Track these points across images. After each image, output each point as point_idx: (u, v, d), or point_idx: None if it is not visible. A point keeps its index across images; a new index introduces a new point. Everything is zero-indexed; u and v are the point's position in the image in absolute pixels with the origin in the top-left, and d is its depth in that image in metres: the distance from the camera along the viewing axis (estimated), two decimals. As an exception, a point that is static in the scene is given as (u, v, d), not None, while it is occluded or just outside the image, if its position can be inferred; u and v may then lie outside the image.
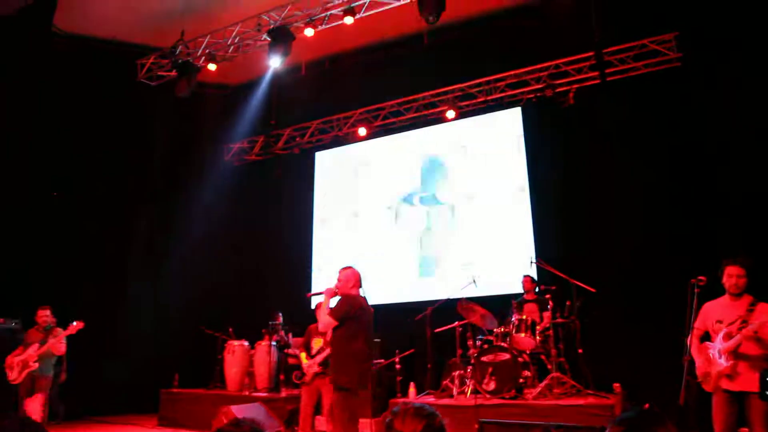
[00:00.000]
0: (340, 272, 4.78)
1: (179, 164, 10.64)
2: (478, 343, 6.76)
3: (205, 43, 9.11)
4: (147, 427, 8.04)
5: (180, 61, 9.10)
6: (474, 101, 9.15)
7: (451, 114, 9.10)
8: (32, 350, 6.55)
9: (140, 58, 9.80)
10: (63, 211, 9.12)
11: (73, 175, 9.34)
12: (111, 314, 9.31)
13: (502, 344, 6.49)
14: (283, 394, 7.67)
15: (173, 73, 9.37)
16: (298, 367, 6.76)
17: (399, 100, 9.64)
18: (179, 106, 9.91)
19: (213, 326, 8.69)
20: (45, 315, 6.76)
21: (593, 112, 8.11)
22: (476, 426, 5.11)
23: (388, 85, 9.69)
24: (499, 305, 7.25)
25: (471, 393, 6.39)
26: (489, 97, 8.99)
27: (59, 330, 6.67)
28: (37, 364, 6.51)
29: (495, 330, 6.73)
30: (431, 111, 9.49)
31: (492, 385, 6.30)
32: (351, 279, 4.75)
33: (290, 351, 8.21)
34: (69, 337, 6.66)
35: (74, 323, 6.62)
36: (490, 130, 9.03)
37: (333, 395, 4.60)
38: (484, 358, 6.44)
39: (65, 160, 9.22)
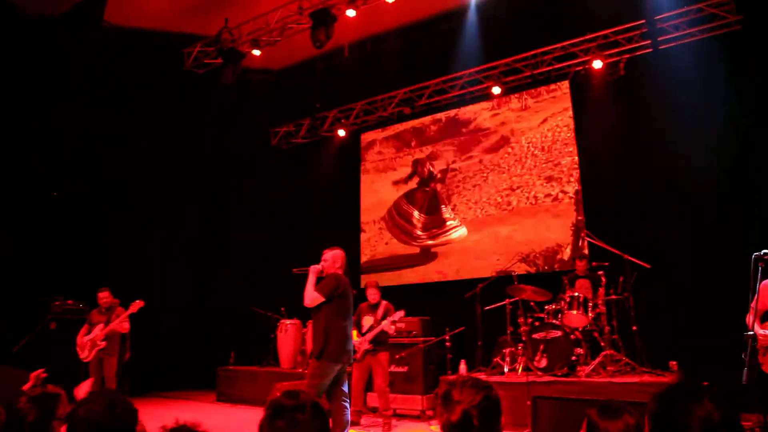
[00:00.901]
0: (325, 252, 4.97)
1: (228, 149, 10.92)
2: (529, 320, 6.72)
3: (248, 29, 9.23)
4: (206, 403, 8.38)
5: (225, 48, 9.26)
6: (520, 76, 8.95)
7: (496, 90, 8.95)
8: (98, 330, 6.91)
9: (187, 47, 10.02)
10: (117, 197, 9.48)
11: (125, 162, 9.67)
12: (170, 295, 9.70)
13: (554, 321, 6.44)
14: (335, 371, 7.83)
15: (219, 60, 9.56)
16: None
17: (443, 78, 9.52)
18: (225, 93, 10.13)
19: (265, 306, 8.94)
20: (105, 296, 7.11)
21: (645, 83, 7.82)
22: (528, 402, 5.10)
23: (432, 63, 9.58)
24: (550, 282, 7.15)
25: (522, 370, 6.38)
26: (536, 71, 8.77)
27: (121, 309, 7.00)
28: (104, 343, 6.88)
29: (546, 307, 6.67)
30: (476, 88, 9.34)
31: (543, 363, 6.27)
32: (338, 259, 4.92)
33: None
34: (131, 316, 6.98)
35: (135, 302, 6.92)
36: (538, 104, 8.83)
37: (310, 363, 4.77)
38: (535, 336, 6.40)
39: (118, 148, 9.56)
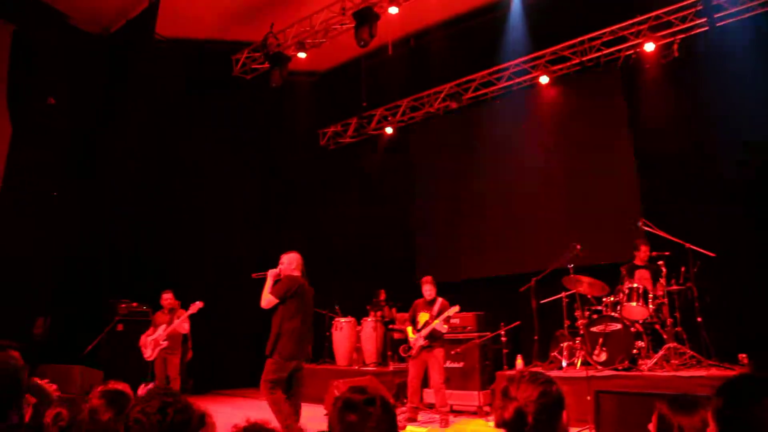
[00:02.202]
0: (282, 256, 5.20)
1: (277, 152, 11.15)
2: (587, 313, 6.56)
3: (293, 32, 9.37)
4: (265, 400, 8.54)
5: (271, 52, 9.42)
6: (568, 64, 8.74)
7: (544, 79, 8.77)
8: (161, 330, 7.19)
9: (235, 53, 10.28)
10: (176, 203, 9.81)
11: (182, 168, 9.99)
12: (229, 295, 9.97)
13: (613, 314, 6.27)
14: (391, 368, 7.89)
15: (266, 65, 9.75)
16: (403, 341, 6.92)
17: (489, 70, 9.41)
18: (273, 96, 10.33)
19: (319, 304, 9.06)
20: (168, 298, 7.39)
21: (701, 64, 7.49)
22: (589, 397, 4.99)
23: (477, 56, 9.48)
24: (607, 273, 6.96)
25: (581, 364, 6.24)
26: (584, 58, 8.54)
27: (182, 311, 7.26)
28: (167, 343, 7.15)
29: (604, 299, 6.49)
30: (523, 78, 9.19)
31: (603, 356, 6.11)
32: (293, 262, 5.18)
33: (395, 326, 8.39)
34: (192, 317, 7.22)
35: (195, 303, 7.16)
36: (588, 92, 8.59)
37: (267, 364, 4.95)
38: (593, 329, 6.25)
39: (175, 155, 9.88)
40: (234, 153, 10.54)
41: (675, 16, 7.78)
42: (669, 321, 6.14)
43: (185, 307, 7.26)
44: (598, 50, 8.43)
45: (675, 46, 7.75)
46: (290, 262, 5.16)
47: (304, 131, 11.42)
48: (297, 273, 5.15)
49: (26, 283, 8.83)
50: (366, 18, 8.19)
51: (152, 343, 7.18)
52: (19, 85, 8.05)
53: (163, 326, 7.22)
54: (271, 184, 11.14)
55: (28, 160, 9.03)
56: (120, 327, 8.26)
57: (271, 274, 5.05)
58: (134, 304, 8.38)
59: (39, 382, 3.12)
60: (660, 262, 6.47)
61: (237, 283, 10.30)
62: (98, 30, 10.07)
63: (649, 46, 7.84)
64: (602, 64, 8.49)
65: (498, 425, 1.69)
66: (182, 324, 7.20)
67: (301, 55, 9.34)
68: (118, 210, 9.23)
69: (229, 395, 9.06)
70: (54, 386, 3.23)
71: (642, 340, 6.12)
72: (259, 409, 7.61)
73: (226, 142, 10.39)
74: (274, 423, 1.98)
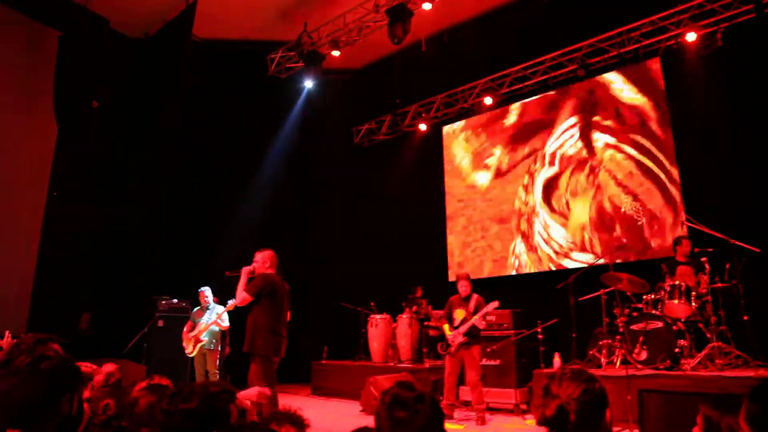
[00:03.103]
0: (256, 254, 5.17)
1: (312, 150, 11.27)
2: (626, 311, 6.42)
3: (327, 30, 9.44)
4: (302, 396, 8.68)
5: (305, 51, 9.52)
6: (605, 56, 8.56)
7: (581, 73, 8.61)
8: (200, 326, 7.35)
9: (269, 53, 10.42)
10: (213, 201, 10.00)
11: (219, 167, 10.17)
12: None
13: (654, 312, 6.12)
14: (427, 365, 7.89)
15: (300, 64, 9.86)
16: (439, 339, 6.91)
17: (524, 65, 9.28)
18: (308, 95, 10.43)
19: (355, 301, 9.13)
20: (206, 295, 7.54)
21: (746, 54, 7.22)
22: (629, 397, 4.89)
23: (511, 51, 9.36)
24: (648, 270, 6.80)
25: (620, 363, 6.11)
26: (622, 50, 8.35)
27: (220, 308, 7.40)
28: (206, 339, 7.30)
29: (644, 297, 6.35)
30: (559, 72, 9.03)
31: (644, 355, 5.98)
32: (267, 259, 5.13)
33: (430, 323, 8.38)
34: (230, 313, 7.35)
35: (230, 301, 7.28)
36: (627, 85, 8.39)
37: (251, 363, 4.91)
38: (633, 327, 6.12)
39: (211, 154, 10.07)
40: (269, 152, 10.69)
41: (718, 3, 7.53)
42: (713, 319, 5.95)
43: (223, 303, 7.41)
44: (637, 41, 8.23)
45: (718, 35, 7.50)
46: (264, 260, 5.15)
47: (338, 129, 11.51)
48: (272, 270, 5.15)
49: (71, 281, 9.16)
50: (399, 15, 8.20)
51: (192, 338, 7.34)
52: (64, 88, 8.33)
53: (202, 322, 7.38)
54: (305, 182, 11.27)
55: (73, 161, 9.36)
56: (160, 323, 8.46)
57: (245, 271, 5.05)
58: (174, 301, 8.58)
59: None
60: (703, 259, 6.28)
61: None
62: (138, 33, 10.36)
63: (691, 36, 7.61)
64: (641, 56, 8.29)
65: (539, 423, 1.67)
66: (221, 320, 7.34)
67: (335, 53, 9.41)
68: (158, 209, 9.46)
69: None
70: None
71: (684, 339, 5.96)
72: (293, 404, 7.73)
73: (261, 141, 10.55)
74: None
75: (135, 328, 8.14)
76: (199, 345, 7.32)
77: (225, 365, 8.54)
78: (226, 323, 7.45)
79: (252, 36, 10.33)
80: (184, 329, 7.51)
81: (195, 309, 7.70)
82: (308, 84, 9.49)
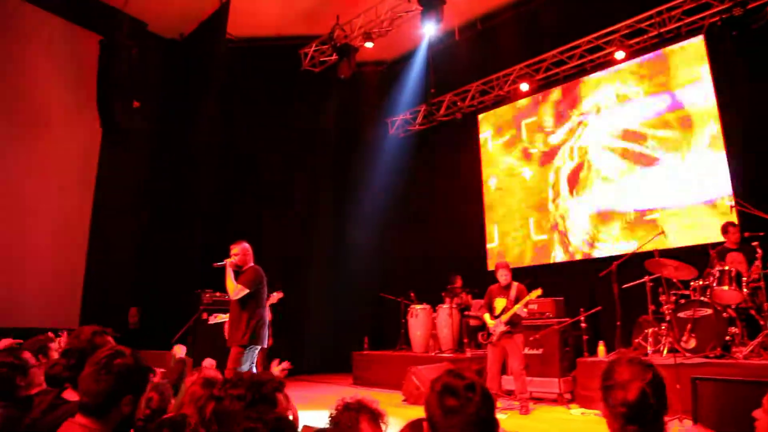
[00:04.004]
0: (234, 246, 5.22)
1: (348, 142, 11.34)
2: (673, 298, 6.26)
3: (359, 23, 9.44)
4: (344, 385, 8.77)
5: (338, 44, 9.55)
6: (645, 37, 8.30)
7: (620, 55, 8.38)
8: (244, 319, 7.49)
9: (303, 47, 10.48)
10: (254, 195, 10.17)
11: (258, 162, 10.32)
12: (307, 285, 10.29)
13: (702, 299, 5.95)
14: (468, 354, 7.87)
15: (334, 57, 9.89)
16: (479, 328, 6.88)
17: (560, 49, 9.07)
18: (342, 88, 10.48)
19: (394, 292, 9.17)
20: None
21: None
22: (678, 386, 4.77)
23: (546, 35, 9.19)
24: (695, 256, 6.61)
25: (668, 352, 5.98)
26: (663, 29, 8.08)
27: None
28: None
29: (692, 283, 6.17)
30: (597, 55, 8.80)
31: (692, 343, 5.83)
32: (249, 251, 5.25)
33: (470, 313, 8.36)
34: (273, 306, 7.48)
35: (274, 294, 7.40)
36: (669, 65, 8.13)
37: (231, 351, 4.96)
38: (681, 314, 5.97)
39: (248, 150, 10.23)
40: (305, 146, 10.80)
41: (766, -24, 7.20)
42: (766, 306, 5.75)
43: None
44: (679, 20, 7.95)
45: (767, 10, 7.18)
46: (246, 252, 5.24)
47: (374, 120, 11.52)
48: (252, 263, 5.25)
49: (119, 276, 9.49)
50: (432, 3, 8.12)
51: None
52: (106, 90, 8.58)
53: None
54: (342, 174, 11.35)
55: (117, 160, 9.66)
56: (205, 315, 8.67)
57: (229, 264, 5.11)
58: (217, 294, 8.78)
59: None
60: (754, 243, 6.06)
61: (313, 273, 10.64)
62: (174, 35, 10.58)
63: (737, 11, 7.31)
64: (683, 35, 8.01)
65: (615, 409, 1.61)
66: (263, 313, 7.47)
67: (368, 45, 9.40)
68: (198, 204, 9.68)
69: (309, 381, 9.35)
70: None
71: (735, 326, 5.78)
72: (336, 393, 7.83)
73: (298, 135, 10.65)
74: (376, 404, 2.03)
75: (180, 321, 8.37)
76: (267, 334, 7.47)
77: (268, 356, 8.69)
78: (269, 316, 7.57)
79: (285, 32, 10.42)
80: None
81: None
82: (342, 77, 9.51)
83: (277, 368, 3.97)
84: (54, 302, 8.73)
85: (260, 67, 10.39)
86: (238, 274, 5.12)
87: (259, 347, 5.11)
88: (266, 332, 5.21)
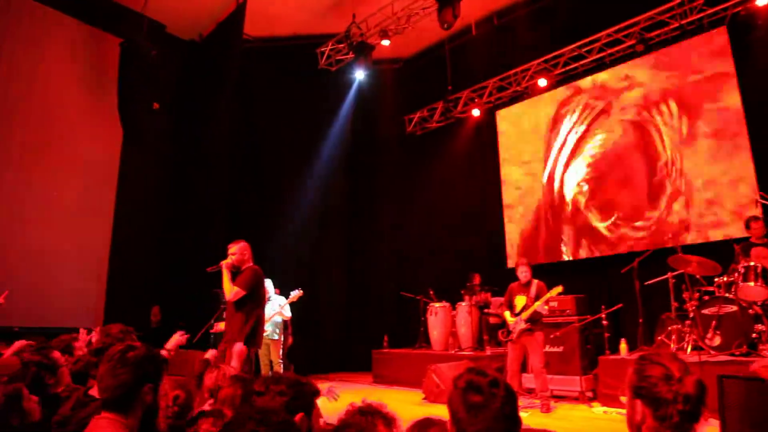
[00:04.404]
0: (232, 245, 5.06)
1: (366, 140, 11.35)
2: (696, 294, 6.16)
3: (375, 20, 9.43)
4: (364, 384, 8.79)
5: (355, 42, 9.55)
6: (666, 29, 8.17)
7: (639, 48, 8.25)
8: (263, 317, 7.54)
9: (319, 46, 10.51)
10: (273, 194, 10.21)
11: (276, 161, 10.36)
12: (326, 284, 10.33)
13: (727, 295, 5.84)
14: (488, 352, 7.83)
15: (350, 55, 9.91)
16: (499, 326, 6.84)
17: (578, 43, 8.98)
18: (359, 86, 10.49)
19: (414, 290, 9.17)
20: (267, 287, 7.70)
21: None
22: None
23: (564, 30, 9.07)
24: (718, 251, 6.49)
25: (692, 349, 5.89)
26: (684, 21, 7.95)
27: (282, 299, 7.58)
28: (269, 329, 7.48)
29: (716, 279, 6.07)
30: (616, 49, 8.69)
31: (717, 341, 5.73)
32: (246, 251, 5.06)
33: (490, 310, 8.31)
34: (292, 305, 7.53)
35: (294, 292, 7.45)
36: (691, 57, 7.97)
37: (231, 354, 4.80)
38: (705, 311, 5.86)
39: (266, 149, 10.28)
40: (322, 144, 10.82)
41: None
42: (793, 302, 5.63)
43: (284, 295, 7.59)
44: (701, 11, 7.81)
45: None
46: (243, 252, 5.07)
47: (391, 118, 11.52)
48: (250, 262, 5.08)
49: (141, 276, 9.61)
50: (448, -1, 8.08)
51: (256, 329, 7.55)
52: (127, 93, 8.70)
53: (265, 313, 7.56)
54: (359, 172, 11.37)
55: (138, 161, 9.79)
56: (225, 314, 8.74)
57: (225, 265, 4.96)
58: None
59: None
60: (780, 238, 5.94)
61: (329, 271, 10.67)
62: (192, 36, 10.68)
63: (761, 1, 7.16)
64: (705, 26, 7.87)
65: (667, 407, 1.53)
66: (283, 311, 7.52)
67: (385, 42, 9.39)
68: (217, 204, 9.76)
69: (329, 379, 9.39)
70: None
71: (762, 323, 5.66)
72: (355, 392, 7.85)
73: (315, 134, 10.68)
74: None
75: (201, 320, 8.46)
76: (262, 335, 7.51)
77: (288, 354, 8.76)
78: (288, 314, 7.63)
79: (301, 31, 10.45)
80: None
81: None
82: (359, 75, 9.53)
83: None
84: (79, 302, 8.87)
85: (277, 66, 10.43)
86: (235, 274, 4.98)
87: (255, 349, 5.00)
88: (261, 331, 5.14)
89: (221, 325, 5.22)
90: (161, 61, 9.03)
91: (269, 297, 7.66)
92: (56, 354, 2.92)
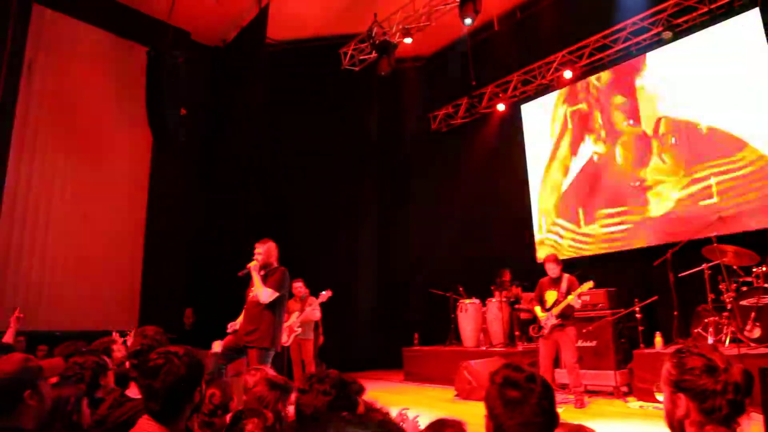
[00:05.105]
0: (259, 245, 5.02)
1: (391, 139, 11.37)
2: (734, 285, 6.01)
3: (397, 19, 9.44)
4: (395, 382, 8.82)
5: (377, 42, 9.56)
6: (694, 14, 7.97)
7: (667, 35, 8.08)
8: (294, 317, 7.63)
9: (342, 47, 10.56)
10: (302, 194, 10.30)
11: (303, 162, 10.43)
12: (356, 282, 10.39)
13: (766, 285, 5.69)
14: (519, 348, 7.78)
15: (373, 55, 9.93)
16: (530, 322, 6.78)
17: (602, 33, 8.84)
18: (383, 85, 10.51)
19: (443, 287, 9.15)
20: (299, 286, 7.80)
21: None
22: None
23: (588, 20, 8.94)
24: (756, 241, 6.32)
25: (730, 341, 5.76)
26: (714, 5, 7.76)
27: (312, 298, 7.65)
28: (301, 329, 7.57)
29: (754, 270, 5.91)
30: (642, 37, 8.52)
31: (757, 332, 5.59)
32: (273, 251, 5.03)
33: (521, 306, 8.25)
34: (322, 304, 7.59)
35: (324, 292, 7.50)
36: (722, 42, 7.75)
37: (255, 355, 4.72)
38: (743, 302, 5.73)
39: (292, 151, 10.36)
40: (348, 146, 10.88)
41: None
42: (836, 291, 5.46)
43: (315, 294, 7.65)
44: (731, -7, 7.61)
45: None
46: (270, 252, 5.03)
47: (416, 116, 11.51)
48: (276, 262, 5.03)
49: (174, 279, 9.81)
50: (469, -5, 8.03)
51: (287, 329, 7.63)
52: (155, 99, 8.88)
53: (296, 313, 7.64)
54: (387, 171, 11.40)
55: (168, 167, 10.00)
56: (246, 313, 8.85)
57: (254, 267, 4.89)
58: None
59: None
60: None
61: (359, 270, 10.73)
62: (216, 42, 10.86)
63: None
64: (736, 9, 7.65)
65: (715, 398, 1.50)
66: (314, 311, 7.59)
67: (407, 40, 9.39)
68: (246, 206, 9.89)
69: (359, 377, 9.41)
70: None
71: (803, 313, 5.51)
72: (387, 390, 7.88)
73: (340, 135, 10.73)
74: (399, 402, 2.06)
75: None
76: (293, 335, 7.61)
77: (319, 354, 8.83)
78: (318, 313, 7.70)
79: (323, 32, 10.52)
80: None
81: (288, 300, 7.96)
82: (382, 74, 9.53)
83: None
84: (114, 306, 9.11)
85: (301, 68, 10.51)
86: (264, 275, 4.93)
87: (274, 351, 4.93)
88: (280, 333, 5.11)
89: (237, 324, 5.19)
90: (187, 68, 9.20)
91: (301, 296, 7.76)
92: (106, 357, 3.02)
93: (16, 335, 4.95)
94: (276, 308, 4.91)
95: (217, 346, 5.04)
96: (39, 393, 2.14)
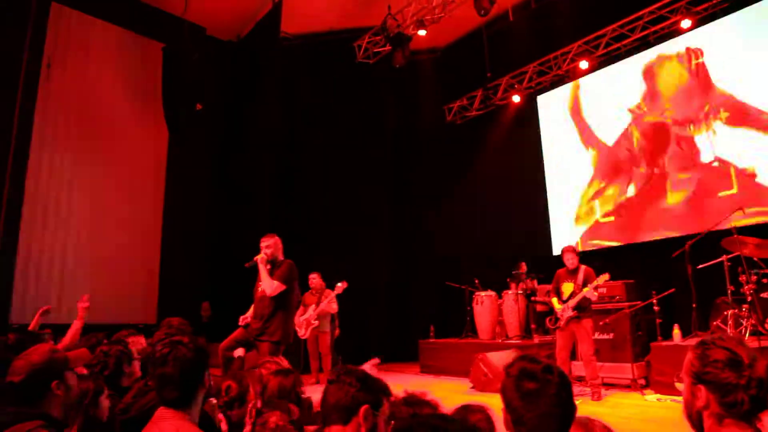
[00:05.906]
0: (265, 239, 5.04)
1: (406, 132, 11.35)
2: (754, 277, 5.93)
3: (411, 11, 9.39)
4: (411, 374, 8.84)
5: (391, 34, 9.53)
6: (714, 2, 7.83)
7: (686, 23, 7.96)
8: (311, 310, 7.69)
9: (356, 40, 10.55)
10: (318, 187, 10.33)
11: (319, 155, 10.45)
12: (372, 274, 10.41)
13: (788, 277, 5.62)
14: (536, 340, 7.77)
15: (387, 47, 9.90)
16: (547, 314, 6.77)
17: (620, 23, 8.71)
18: (397, 78, 10.48)
19: (459, 279, 9.14)
20: (315, 279, 7.86)
21: None
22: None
23: (604, 9, 8.82)
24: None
25: (750, 334, 5.69)
26: (734, -8, 7.61)
27: (329, 291, 7.70)
28: (318, 322, 7.64)
29: (775, 261, 5.84)
30: (661, 25, 8.39)
31: (778, 325, 5.52)
32: (279, 245, 5.07)
33: (537, 298, 8.22)
34: (339, 296, 7.63)
35: (339, 284, 7.55)
36: (744, 29, 7.60)
37: (266, 349, 4.74)
38: (764, 294, 5.66)
39: (307, 144, 10.38)
40: (364, 139, 10.88)
41: None
42: None
43: (331, 287, 7.70)
44: (752, -22, 7.45)
45: None
46: (277, 247, 5.06)
47: (430, 109, 11.45)
48: (282, 256, 5.06)
49: (191, 272, 9.92)
50: (484, -15, 7.97)
51: (304, 322, 7.70)
52: (171, 95, 8.97)
53: (313, 306, 7.71)
54: (402, 164, 11.40)
55: (184, 161, 10.09)
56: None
57: (261, 260, 4.93)
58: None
59: None
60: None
61: (377, 263, 10.75)
62: (231, 36, 10.90)
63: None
64: (756, -4, 7.50)
65: (742, 390, 1.49)
66: (330, 304, 7.65)
67: (422, 32, 9.34)
68: (262, 199, 9.95)
69: (377, 370, 9.48)
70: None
71: (826, 305, 5.44)
72: (403, 382, 7.91)
73: (356, 128, 10.74)
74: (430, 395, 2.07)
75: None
76: (310, 328, 7.67)
77: (336, 346, 8.89)
78: (335, 306, 7.75)
79: (338, 25, 10.50)
80: (296, 313, 7.89)
81: (305, 293, 8.03)
82: (397, 66, 9.51)
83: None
84: (133, 299, 9.26)
85: (315, 62, 10.52)
86: (271, 268, 4.96)
87: (285, 345, 4.97)
88: (292, 326, 5.18)
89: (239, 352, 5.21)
90: (203, 63, 9.26)
91: (318, 289, 7.82)
92: (131, 347, 3.10)
93: (40, 327, 5.05)
94: (285, 301, 4.96)
95: (238, 351, 5.11)
96: (65, 383, 2.20)
